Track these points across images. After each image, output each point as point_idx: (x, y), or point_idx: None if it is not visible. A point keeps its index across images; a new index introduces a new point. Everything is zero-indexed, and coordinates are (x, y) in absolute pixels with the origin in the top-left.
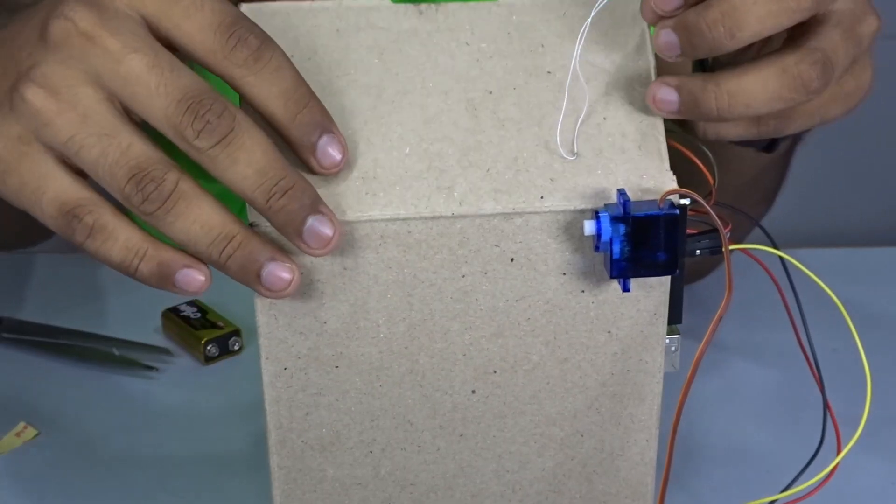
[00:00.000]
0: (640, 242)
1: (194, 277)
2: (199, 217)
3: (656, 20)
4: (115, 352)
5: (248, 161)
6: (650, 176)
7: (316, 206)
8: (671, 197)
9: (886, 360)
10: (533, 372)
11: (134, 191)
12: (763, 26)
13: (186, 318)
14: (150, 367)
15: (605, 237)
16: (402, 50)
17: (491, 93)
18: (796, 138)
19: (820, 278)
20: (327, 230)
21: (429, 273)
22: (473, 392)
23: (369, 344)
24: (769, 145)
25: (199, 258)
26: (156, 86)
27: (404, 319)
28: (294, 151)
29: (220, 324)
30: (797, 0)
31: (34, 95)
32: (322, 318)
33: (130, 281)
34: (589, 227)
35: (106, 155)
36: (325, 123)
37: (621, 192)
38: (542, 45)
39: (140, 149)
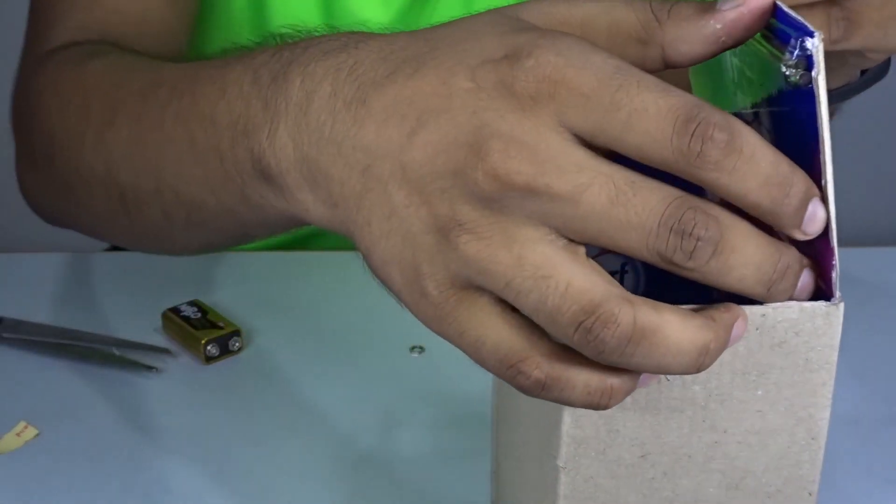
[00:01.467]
0: None
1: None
2: (668, 346)
3: None
4: (115, 352)
5: (743, 263)
6: None
7: (803, 267)
8: None
9: (886, 359)
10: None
11: (584, 341)
12: None
13: (186, 318)
14: (150, 367)
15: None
16: None
17: None
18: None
19: None
20: (808, 283)
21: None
22: None
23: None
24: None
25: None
26: (626, 219)
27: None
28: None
29: (220, 324)
30: None
31: (466, 244)
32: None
33: (130, 281)
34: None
35: (544, 301)
36: (811, 193)
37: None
38: None
39: (580, 287)
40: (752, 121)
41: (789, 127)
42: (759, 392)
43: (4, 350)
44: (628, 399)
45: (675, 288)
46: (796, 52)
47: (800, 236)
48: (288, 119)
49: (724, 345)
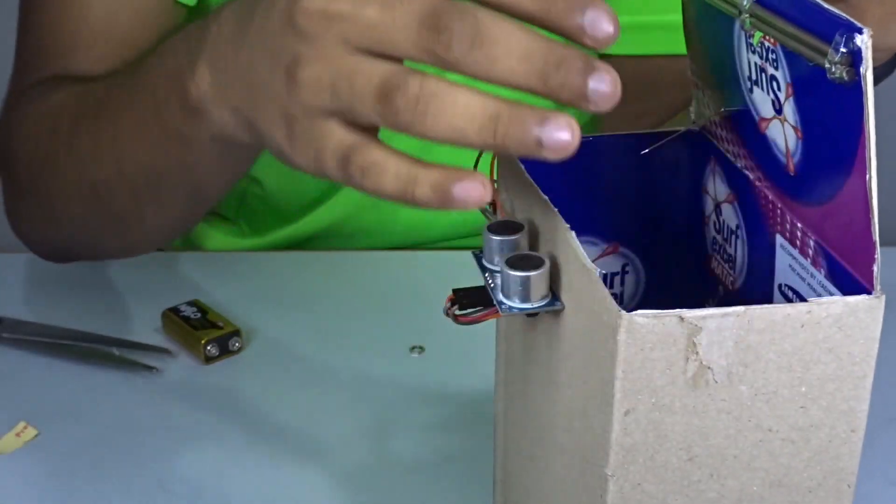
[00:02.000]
0: None
1: (471, 187)
2: (456, 109)
3: None
4: (115, 352)
5: (507, 53)
6: None
7: (590, 64)
8: None
9: (886, 360)
10: None
11: (385, 106)
12: None
13: (186, 318)
14: (150, 367)
15: None
16: None
17: None
18: None
19: None
20: (606, 86)
21: None
22: None
23: None
24: None
25: (473, 146)
26: (392, 21)
27: None
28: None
29: (220, 324)
30: None
31: (301, 72)
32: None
33: (130, 281)
34: None
35: (354, 86)
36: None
37: None
38: None
39: (382, 68)
40: (775, 116)
41: (822, 123)
42: (803, 388)
43: (4, 350)
44: (677, 403)
45: (675, 288)
46: (841, 49)
47: (590, 44)
48: (206, 52)
49: (528, 122)
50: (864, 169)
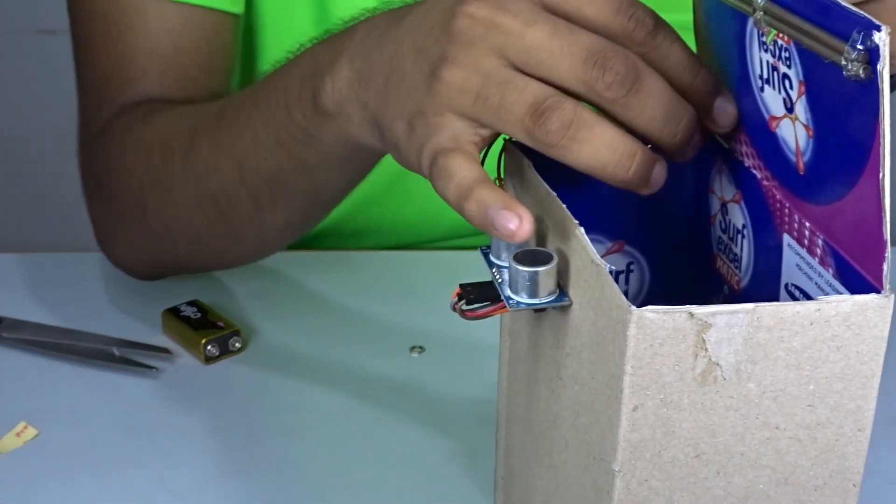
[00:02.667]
0: None
1: (508, 221)
2: (603, 141)
3: None
4: (115, 352)
5: (655, 105)
6: None
7: (694, 120)
8: None
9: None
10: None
11: (534, 123)
12: None
13: (186, 318)
14: (150, 367)
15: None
16: None
17: None
18: None
19: None
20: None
21: None
22: None
23: None
24: None
25: (604, 178)
26: (560, 49)
27: None
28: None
29: (220, 324)
30: None
31: (447, 72)
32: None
33: (130, 281)
34: None
35: (505, 97)
36: (718, 88)
37: None
38: None
39: (536, 86)
40: (786, 115)
41: (835, 122)
42: (811, 387)
43: (4, 350)
44: (685, 399)
45: (679, 287)
46: (858, 46)
47: (712, 126)
48: (350, 50)
49: (651, 163)
50: (877, 168)
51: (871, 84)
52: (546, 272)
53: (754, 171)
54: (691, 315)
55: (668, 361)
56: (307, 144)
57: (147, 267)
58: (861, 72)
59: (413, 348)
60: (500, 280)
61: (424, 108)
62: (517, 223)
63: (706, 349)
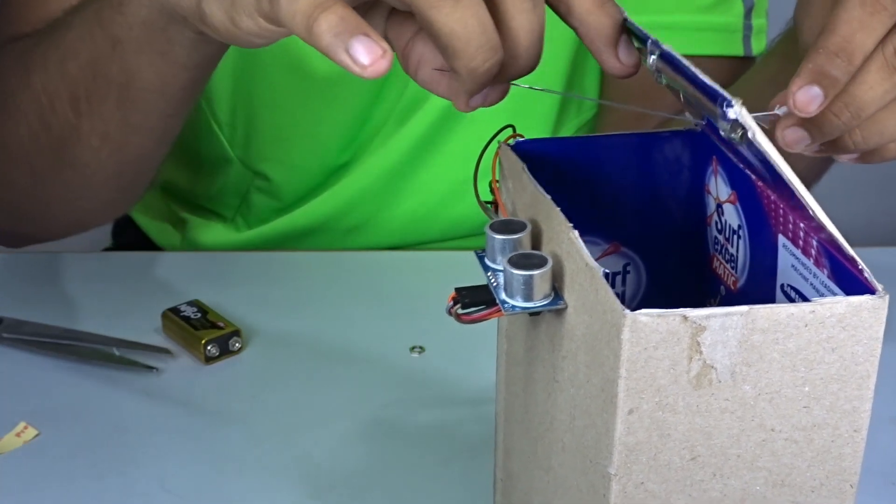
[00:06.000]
0: None
1: (372, 49)
2: (479, 16)
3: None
4: (116, 352)
5: (473, 13)
6: None
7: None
8: None
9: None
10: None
11: None
12: (882, 101)
13: (186, 318)
14: (150, 367)
15: None
16: None
17: None
18: None
19: None
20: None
21: None
22: None
23: None
24: None
25: (461, 55)
26: None
27: None
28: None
29: (221, 324)
30: None
31: None
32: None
33: (130, 281)
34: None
35: None
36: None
37: None
38: None
39: None
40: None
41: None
42: (807, 388)
43: (4, 350)
44: (680, 402)
45: (676, 288)
46: (726, 117)
47: (613, 61)
48: None
49: (501, 77)
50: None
51: (752, 144)
52: (541, 275)
53: (748, 172)
54: (685, 318)
55: (662, 364)
56: (117, 10)
57: None
58: (738, 137)
59: (413, 348)
60: (495, 283)
61: None
62: (380, 52)
63: (701, 352)
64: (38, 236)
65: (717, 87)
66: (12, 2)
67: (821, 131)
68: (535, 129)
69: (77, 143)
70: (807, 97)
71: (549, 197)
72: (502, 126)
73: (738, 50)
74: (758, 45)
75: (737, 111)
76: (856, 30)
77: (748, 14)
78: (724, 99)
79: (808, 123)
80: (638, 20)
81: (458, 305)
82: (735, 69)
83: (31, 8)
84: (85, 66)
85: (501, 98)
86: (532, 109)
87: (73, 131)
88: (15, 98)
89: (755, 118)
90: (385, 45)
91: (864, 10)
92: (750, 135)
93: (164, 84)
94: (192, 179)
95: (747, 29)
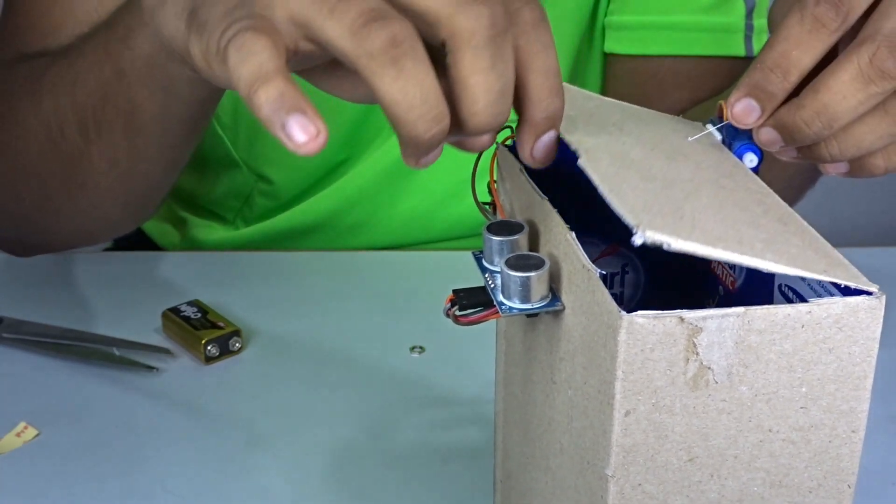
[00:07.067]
0: None
1: (306, 127)
2: (424, 84)
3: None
4: (116, 352)
5: (416, 83)
6: None
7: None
8: None
9: (885, 360)
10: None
11: (362, 27)
12: (856, 112)
13: (187, 318)
14: (150, 367)
15: None
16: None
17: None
18: None
19: None
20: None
21: None
22: None
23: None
24: None
25: (403, 124)
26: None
27: None
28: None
29: (221, 324)
30: (881, 83)
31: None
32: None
33: (130, 281)
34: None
35: (333, 10)
36: (559, 124)
37: None
38: None
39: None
40: None
41: None
42: (804, 389)
43: (5, 350)
44: (677, 403)
45: (675, 288)
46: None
47: (528, 153)
48: None
49: (442, 139)
50: None
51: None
52: (538, 277)
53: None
54: (681, 319)
55: (659, 366)
56: (124, 44)
57: (4, 230)
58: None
59: (413, 348)
60: (492, 285)
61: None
62: (314, 131)
63: (697, 353)
64: (47, 247)
65: (623, 213)
66: (19, 11)
67: (793, 138)
68: None
69: (86, 166)
70: (743, 109)
71: (546, 198)
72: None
73: (740, 50)
74: (759, 46)
75: (640, 237)
76: (792, 47)
77: (749, 14)
78: (631, 227)
79: (782, 128)
80: (639, 20)
81: (456, 307)
82: (736, 69)
83: (38, 17)
84: (93, 94)
85: (485, 148)
86: None
87: (82, 155)
88: (26, 119)
89: (694, 139)
90: (321, 123)
91: (802, 28)
92: (665, 246)
93: (167, 117)
94: (197, 183)
95: (748, 29)
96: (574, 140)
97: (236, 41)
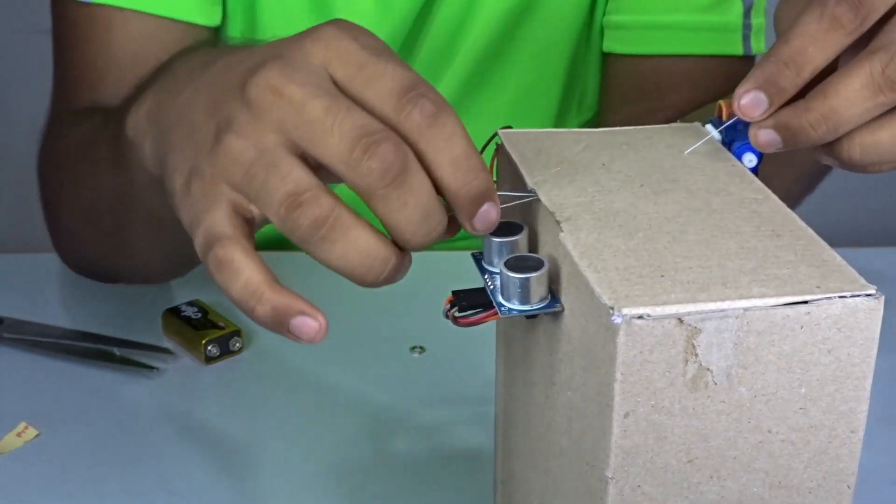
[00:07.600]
0: None
1: (308, 325)
2: (357, 244)
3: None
4: (116, 352)
5: (415, 206)
6: None
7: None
8: None
9: (884, 360)
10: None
11: (287, 213)
12: (862, 119)
13: (187, 319)
14: (150, 367)
15: None
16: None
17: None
18: None
19: None
20: (490, 220)
21: None
22: None
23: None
24: None
25: (354, 281)
26: (330, 126)
27: None
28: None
29: (221, 324)
30: (890, 94)
31: (228, 139)
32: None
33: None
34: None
35: (268, 180)
36: (488, 194)
37: None
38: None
39: (300, 175)
40: None
41: None
42: (803, 390)
43: (5, 350)
44: (676, 405)
45: None
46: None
47: (469, 228)
48: (161, 81)
49: (403, 266)
50: None
51: None
52: (537, 278)
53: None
54: (680, 321)
55: (658, 368)
56: (127, 169)
57: (73, 264)
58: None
59: (413, 348)
60: (491, 286)
61: (202, 169)
62: (317, 326)
63: (696, 354)
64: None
65: (601, 294)
66: (68, 66)
67: (795, 140)
68: (536, 128)
69: (128, 243)
70: (750, 102)
71: (544, 198)
72: (501, 126)
73: (738, 49)
74: (757, 45)
75: (618, 318)
76: (808, 43)
77: (747, 13)
78: (609, 308)
79: (785, 129)
80: (637, 20)
81: (455, 308)
82: (734, 68)
83: (83, 70)
84: (116, 188)
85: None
86: (532, 109)
87: (118, 235)
88: (73, 185)
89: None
90: (319, 315)
91: (820, 26)
92: (646, 318)
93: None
94: None
95: (747, 28)
96: (557, 204)
97: (214, 260)
